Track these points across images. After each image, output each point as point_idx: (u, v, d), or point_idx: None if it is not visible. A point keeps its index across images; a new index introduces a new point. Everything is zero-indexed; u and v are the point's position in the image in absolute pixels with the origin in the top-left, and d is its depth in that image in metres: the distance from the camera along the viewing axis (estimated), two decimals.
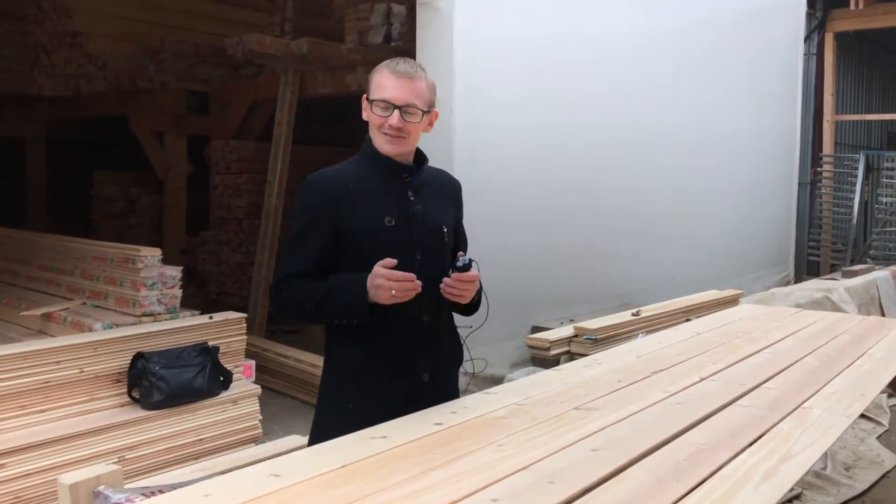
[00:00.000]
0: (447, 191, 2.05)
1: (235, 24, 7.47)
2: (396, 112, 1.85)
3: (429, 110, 1.91)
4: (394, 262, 1.76)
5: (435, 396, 1.91)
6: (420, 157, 1.99)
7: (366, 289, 1.76)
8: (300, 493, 1.37)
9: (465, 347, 2.08)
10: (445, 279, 1.85)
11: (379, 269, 1.75)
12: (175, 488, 1.44)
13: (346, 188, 1.87)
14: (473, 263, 1.86)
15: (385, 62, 1.92)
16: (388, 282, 1.74)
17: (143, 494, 1.38)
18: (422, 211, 1.91)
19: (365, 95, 1.92)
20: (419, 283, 1.77)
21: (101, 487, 1.37)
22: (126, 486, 1.41)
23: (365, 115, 1.93)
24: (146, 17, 7.47)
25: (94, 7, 7.24)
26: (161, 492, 1.41)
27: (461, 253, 1.90)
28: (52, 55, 7.50)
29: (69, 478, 1.37)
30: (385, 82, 1.86)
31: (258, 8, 7.69)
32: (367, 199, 1.87)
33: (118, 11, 7.36)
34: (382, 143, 1.89)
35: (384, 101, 1.86)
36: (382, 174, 1.91)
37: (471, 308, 2.00)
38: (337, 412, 1.88)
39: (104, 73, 7.22)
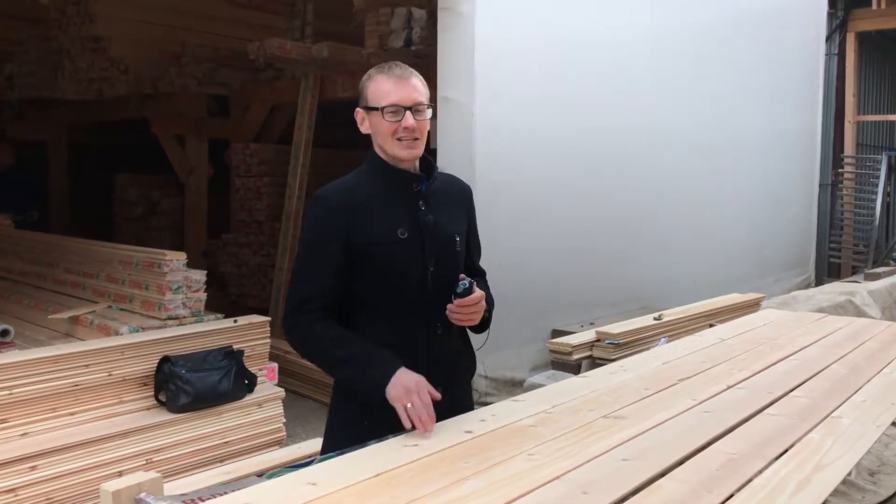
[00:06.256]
0: (458, 197, 2.01)
1: (255, 29, 7.54)
2: (408, 113, 1.82)
3: (431, 105, 1.90)
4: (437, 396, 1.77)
5: (449, 410, 1.89)
6: (428, 165, 1.94)
7: (389, 378, 1.75)
8: (337, 501, 1.39)
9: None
10: (450, 306, 1.84)
11: (420, 383, 1.75)
12: (212, 495, 1.47)
13: (356, 202, 1.84)
14: (473, 285, 1.84)
15: (373, 71, 1.89)
16: (413, 399, 1.72)
17: (184, 502, 1.40)
18: (433, 220, 1.88)
19: (361, 107, 1.88)
20: (431, 422, 1.74)
21: (142, 494, 1.40)
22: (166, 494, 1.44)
23: (366, 128, 1.89)
24: (168, 22, 7.56)
25: (117, 12, 7.33)
26: (201, 499, 1.44)
27: (462, 276, 1.86)
28: (75, 60, 7.61)
29: (112, 485, 1.40)
30: (385, 87, 1.83)
31: (278, 12, 7.75)
32: (377, 211, 1.84)
33: (140, 16, 7.45)
34: (399, 151, 1.84)
35: (393, 105, 1.82)
36: (391, 185, 1.88)
37: (482, 325, 1.98)
38: (350, 427, 1.86)
39: (126, 78, 7.30)
